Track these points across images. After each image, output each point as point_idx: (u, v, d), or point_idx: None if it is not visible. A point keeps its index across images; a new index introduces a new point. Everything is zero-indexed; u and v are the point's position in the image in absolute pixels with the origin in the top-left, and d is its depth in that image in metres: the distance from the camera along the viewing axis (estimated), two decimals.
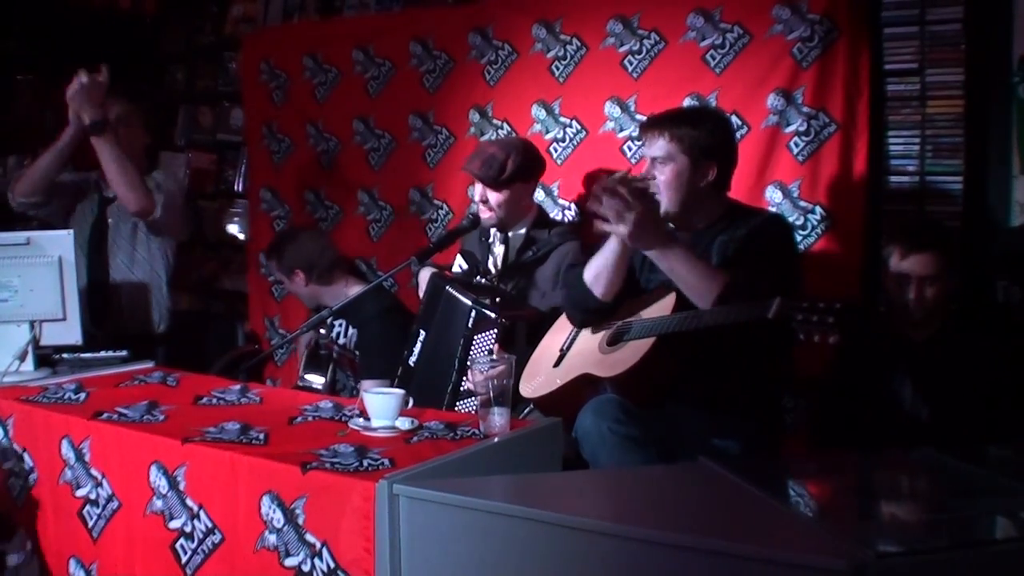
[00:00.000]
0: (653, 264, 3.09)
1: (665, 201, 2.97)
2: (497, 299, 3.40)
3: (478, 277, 3.57)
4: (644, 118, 3.77)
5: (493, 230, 3.66)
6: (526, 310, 3.46)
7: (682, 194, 2.99)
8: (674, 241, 2.84)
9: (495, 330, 3.28)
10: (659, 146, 2.99)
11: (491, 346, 3.25)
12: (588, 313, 3.15)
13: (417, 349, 3.59)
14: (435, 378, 3.41)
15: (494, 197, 3.59)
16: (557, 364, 3.16)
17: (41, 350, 3.38)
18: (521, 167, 3.59)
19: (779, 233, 3.08)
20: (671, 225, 3.00)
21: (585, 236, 3.62)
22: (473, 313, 3.31)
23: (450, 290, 3.47)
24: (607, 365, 2.96)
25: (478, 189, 3.65)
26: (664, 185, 2.97)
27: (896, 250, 3.11)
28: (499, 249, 3.64)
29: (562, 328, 3.28)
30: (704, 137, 2.99)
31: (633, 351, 2.90)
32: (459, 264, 3.75)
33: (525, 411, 3.22)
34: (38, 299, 3.31)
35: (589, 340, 3.13)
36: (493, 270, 3.62)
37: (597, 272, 3.06)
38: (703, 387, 2.95)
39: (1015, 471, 2.33)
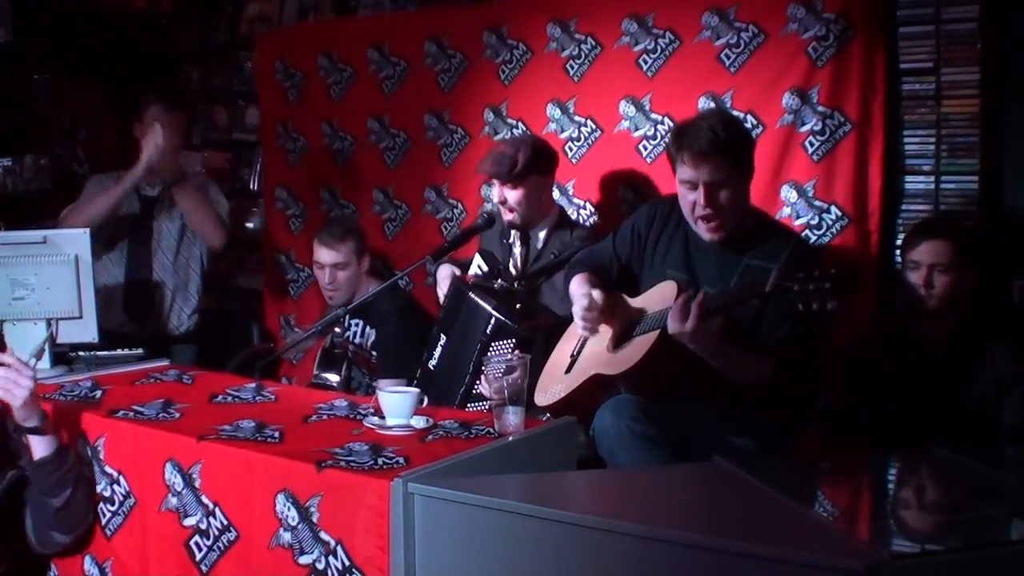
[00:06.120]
0: (664, 258, 3.08)
1: (728, 222, 2.92)
2: (517, 305, 3.40)
3: (498, 279, 3.55)
4: (660, 117, 3.80)
5: (513, 230, 3.65)
6: (544, 318, 3.45)
7: (738, 210, 2.95)
8: (722, 344, 2.82)
9: (514, 339, 3.28)
10: (713, 169, 2.86)
11: (508, 354, 3.24)
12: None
13: (437, 353, 3.59)
14: (452, 380, 3.42)
15: (512, 195, 3.57)
16: (569, 370, 3.17)
17: (58, 348, 3.39)
18: (532, 160, 3.56)
19: None
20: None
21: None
22: (493, 321, 3.31)
23: (472, 296, 3.47)
24: (616, 363, 2.96)
25: (495, 191, 3.63)
26: (724, 208, 2.90)
27: (911, 241, 3.14)
28: (519, 250, 3.63)
29: (571, 336, 3.27)
30: (748, 148, 2.98)
31: (640, 346, 2.90)
32: (478, 264, 3.73)
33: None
34: (55, 297, 3.33)
35: (598, 342, 3.12)
36: (513, 271, 3.60)
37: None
38: (719, 385, 2.95)
39: None
